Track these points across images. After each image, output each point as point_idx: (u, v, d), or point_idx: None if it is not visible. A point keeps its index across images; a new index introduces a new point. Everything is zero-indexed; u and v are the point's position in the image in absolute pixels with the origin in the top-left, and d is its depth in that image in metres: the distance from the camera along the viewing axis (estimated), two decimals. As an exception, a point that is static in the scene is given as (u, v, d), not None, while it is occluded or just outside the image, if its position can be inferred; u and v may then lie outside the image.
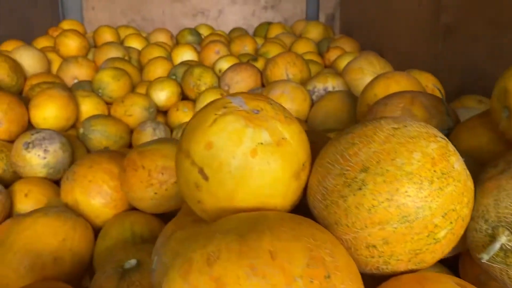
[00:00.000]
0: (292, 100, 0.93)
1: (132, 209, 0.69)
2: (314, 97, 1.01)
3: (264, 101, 0.37)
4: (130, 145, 1.21)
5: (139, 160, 0.63)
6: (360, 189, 0.32)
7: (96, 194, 0.67)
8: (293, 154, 0.35)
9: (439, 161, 0.32)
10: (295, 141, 0.35)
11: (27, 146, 0.91)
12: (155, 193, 0.62)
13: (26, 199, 0.86)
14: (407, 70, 1.11)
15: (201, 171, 0.34)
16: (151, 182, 0.62)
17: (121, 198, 0.68)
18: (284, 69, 1.20)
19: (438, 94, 0.88)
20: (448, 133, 0.57)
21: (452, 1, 1.17)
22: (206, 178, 0.34)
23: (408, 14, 1.45)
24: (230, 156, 0.33)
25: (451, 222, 0.32)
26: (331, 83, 1.01)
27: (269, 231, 0.28)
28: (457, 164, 0.33)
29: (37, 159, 0.91)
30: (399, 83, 0.75)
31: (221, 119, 0.35)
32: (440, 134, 0.34)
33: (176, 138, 0.68)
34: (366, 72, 1.11)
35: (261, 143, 0.34)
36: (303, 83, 1.22)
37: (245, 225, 0.29)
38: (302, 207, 0.40)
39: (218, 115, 0.35)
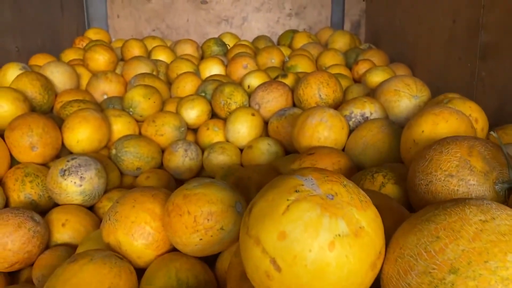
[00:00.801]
0: (330, 129, 0.90)
1: (174, 249, 0.68)
2: (351, 123, 0.99)
3: (337, 183, 0.35)
4: (161, 165, 1.21)
5: (185, 205, 0.61)
6: (449, 292, 0.30)
7: (139, 236, 0.66)
8: (370, 244, 0.33)
9: (535, 263, 0.30)
10: (372, 229, 0.34)
11: (63, 173, 0.91)
12: (200, 239, 0.61)
13: (64, 229, 0.86)
14: (444, 94, 1.07)
15: (273, 261, 0.33)
16: (197, 229, 0.61)
17: (163, 239, 0.67)
18: (317, 90, 1.17)
19: (492, 138, 0.85)
20: (511, 188, 0.54)
21: (493, 19, 1.13)
22: (278, 269, 0.33)
23: (442, 29, 1.41)
24: (306, 249, 0.32)
25: (547, 330, 0.30)
26: (369, 109, 0.99)
27: None
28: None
29: (73, 186, 0.91)
30: (447, 120, 0.72)
31: (295, 206, 0.33)
32: (532, 227, 0.32)
33: (221, 181, 0.66)
34: (403, 95, 1.08)
35: (339, 235, 0.32)
36: (336, 103, 1.20)
37: None
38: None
39: (291, 201, 0.33)
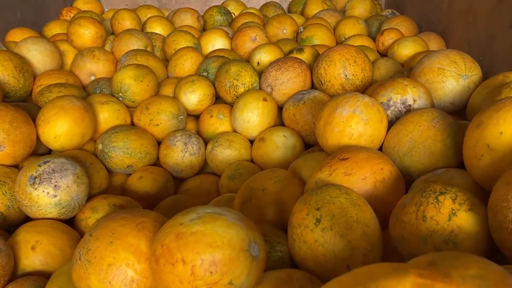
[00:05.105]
0: (366, 122, 0.71)
1: (167, 297, 0.51)
2: (389, 112, 0.79)
3: None
4: (157, 160, 1.03)
5: (178, 251, 0.44)
6: None
7: (119, 283, 0.49)
8: None
9: None
10: None
11: (33, 181, 0.74)
12: (201, 298, 0.43)
13: (34, 253, 0.69)
14: (503, 73, 0.87)
15: None
16: (195, 284, 0.43)
17: (151, 286, 0.50)
18: (342, 68, 0.97)
19: None
20: None
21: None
22: None
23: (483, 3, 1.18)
24: None
25: None
26: (411, 95, 0.79)
27: None
28: None
29: (46, 197, 0.73)
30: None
31: None
32: None
33: (229, 210, 0.48)
34: (449, 74, 0.88)
35: None
36: (365, 84, 1.00)
37: None
38: None
39: None
